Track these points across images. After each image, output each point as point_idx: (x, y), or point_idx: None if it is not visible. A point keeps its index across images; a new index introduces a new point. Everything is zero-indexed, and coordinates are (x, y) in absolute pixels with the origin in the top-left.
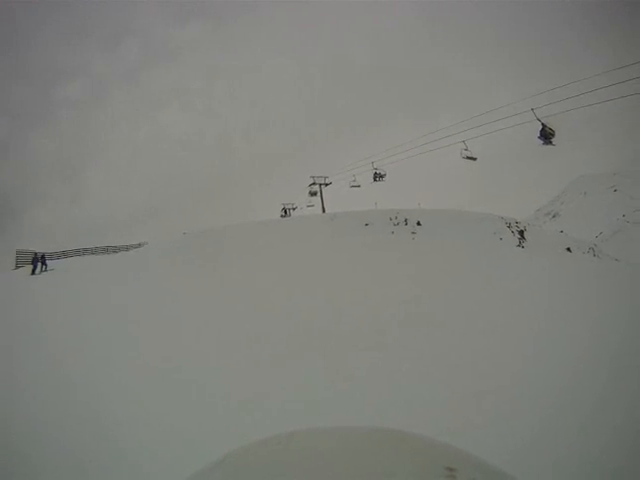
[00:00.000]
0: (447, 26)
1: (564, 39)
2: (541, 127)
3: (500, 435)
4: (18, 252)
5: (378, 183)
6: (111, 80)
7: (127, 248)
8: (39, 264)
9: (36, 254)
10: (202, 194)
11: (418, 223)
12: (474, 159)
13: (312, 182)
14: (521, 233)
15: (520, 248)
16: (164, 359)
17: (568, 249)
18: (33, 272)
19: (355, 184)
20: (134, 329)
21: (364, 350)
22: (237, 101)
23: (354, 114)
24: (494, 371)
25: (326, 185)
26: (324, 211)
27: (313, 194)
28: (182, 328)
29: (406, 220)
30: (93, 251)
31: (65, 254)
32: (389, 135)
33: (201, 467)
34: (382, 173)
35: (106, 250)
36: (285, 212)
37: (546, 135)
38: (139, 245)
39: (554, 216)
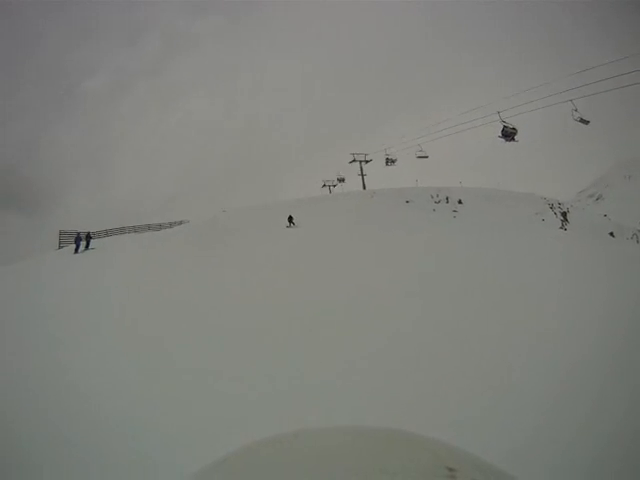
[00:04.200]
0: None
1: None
2: (502, 127)
3: (501, 435)
4: (61, 232)
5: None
6: (133, 72)
7: (170, 225)
8: (82, 243)
9: (78, 233)
10: (234, 176)
11: (459, 201)
12: (587, 122)
13: (352, 159)
14: (564, 215)
15: (562, 230)
16: (170, 349)
17: (611, 234)
18: (76, 251)
19: (423, 154)
20: (146, 318)
21: (383, 334)
22: (262, 87)
23: (392, 94)
24: (506, 364)
25: (366, 162)
26: (365, 188)
27: (341, 180)
28: (200, 315)
29: (447, 198)
30: (136, 229)
31: (108, 233)
32: (427, 114)
33: (203, 466)
34: (393, 159)
35: (148, 228)
36: (328, 188)
37: (507, 134)
38: (180, 222)
39: (597, 199)
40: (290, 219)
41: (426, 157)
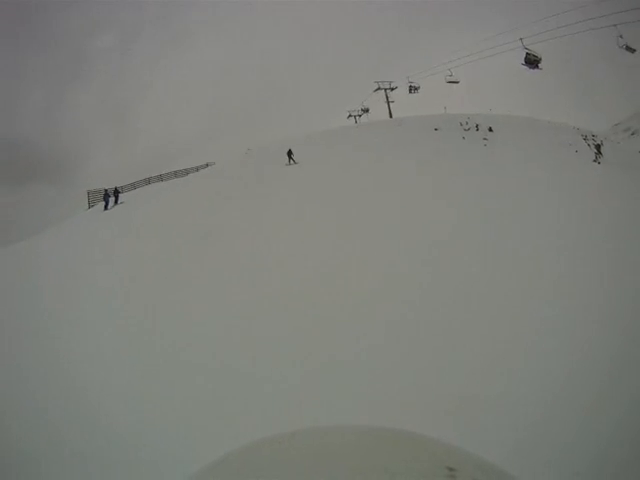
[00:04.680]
0: None
1: None
2: (525, 54)
3: (500, 434)
4: (89, 192)
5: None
6: (141, 23)
7: (197, 169)
8: (111, 199)
9: (106, 190)
10: (258, 112)
11: (490, 129)
12: (633, 50)
13: (377, 87)
14: (598, 147)
15: (596, 164)
16: (175, 341)
17: None
18: (106, 208)
19: (453, 79)
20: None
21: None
22: (278, 20)
23: (416, 19)
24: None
25: (392, 90)
26: (391, 116)
27: (365, 111)
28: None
29: (477, 126)
30: (162, 178)
31: (135, 185)
32: (452, 39)
33: (203, 466)
34: (416, 86)
35: (174, 174)
36: (354, 119)
37: (530, 61)
38: (206, 165)
39: (633, 133)
40: (289, 154)
41: (457, 82)
